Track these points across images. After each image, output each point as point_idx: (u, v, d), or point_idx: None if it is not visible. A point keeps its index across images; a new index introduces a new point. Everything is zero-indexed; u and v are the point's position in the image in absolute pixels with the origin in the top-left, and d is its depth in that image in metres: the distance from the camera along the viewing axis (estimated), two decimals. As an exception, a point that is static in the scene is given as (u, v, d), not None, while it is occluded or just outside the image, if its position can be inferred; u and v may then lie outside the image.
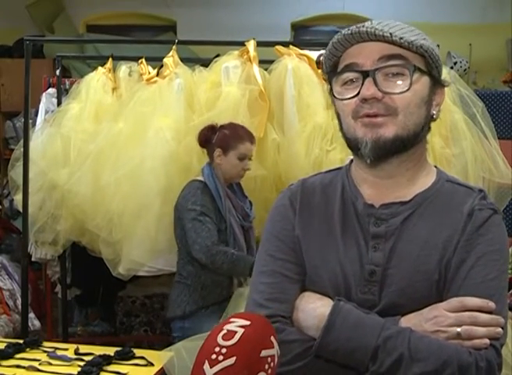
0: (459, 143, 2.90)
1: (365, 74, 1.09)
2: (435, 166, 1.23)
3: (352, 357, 1.07)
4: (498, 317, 1.06)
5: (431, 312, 1.07)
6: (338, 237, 1.16)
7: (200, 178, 2.70)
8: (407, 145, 1.11)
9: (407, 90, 1.08)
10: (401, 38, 1.07)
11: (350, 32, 1.10)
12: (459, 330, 1.04)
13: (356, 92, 1.09)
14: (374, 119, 1.09)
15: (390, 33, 1.07)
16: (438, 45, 1.18)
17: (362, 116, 1.09)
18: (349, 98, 1.11)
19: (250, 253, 2.72)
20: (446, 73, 2.92)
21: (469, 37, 5.82)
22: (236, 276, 2.71)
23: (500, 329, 1.05)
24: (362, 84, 1.08)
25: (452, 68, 5.05)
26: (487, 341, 1.04)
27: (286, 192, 1.25)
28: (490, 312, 1.05)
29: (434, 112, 1.14)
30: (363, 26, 1.08)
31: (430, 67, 1.12)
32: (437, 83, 1.14)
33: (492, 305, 1.05)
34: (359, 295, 1.12)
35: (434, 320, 1.06)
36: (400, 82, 1.08)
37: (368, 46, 1.09)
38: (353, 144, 1.13)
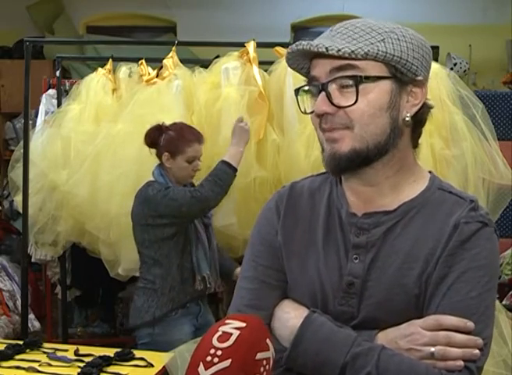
0: (459, 144, 2.89)
1: (318, 88, 1.05)
2: (430, 172, 1.16)
3: (320, 372, 1.04)
4: (476, 338, 1.00)
5: (407, 329, 1.02)
6: (319, 246, 1.12)
7: (153, 180, 2.65)
8: (369, 158, 1.05)
9: (355, 103, 1.03)
10: (339, 50, 1.01)
11: (291, 50, 1.06)
12: (432, 349, 0.99)
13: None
14: (331, 135, 1.05)
15: (326, 48, 1.01)
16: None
17: (323, 131, 1.07)
18: (310, 113, 1.08)
19: (211, 250, 2.70)
20: (445, 74, 2.93)
21: (469, 38, 5.82)
22: (229, 185, 2.64)
23: (477, 351, 0.99)
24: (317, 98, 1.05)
25: (452, 69, 5.05)
26: (461, 362, 0.99)
27: (275, 195, 1.22)
28: (469, 333, 1.00)
29: (408, 115, 1.07)
30: (300, 44, 1.04)
31: (393, 69, 1.04)
32: (408, 84, 1.06)
33: (470, 324, 1.00)
34: (337, 307, 1.09)
35: (409, 338, 1.01)
36: (352, 93, 1.03)
37: (321, 60, 1.05)
38: (322, 156, 1.10)
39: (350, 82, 1.03)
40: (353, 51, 1.02)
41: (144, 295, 2.62)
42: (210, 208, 2.65)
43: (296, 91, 1.11)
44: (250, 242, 1.20)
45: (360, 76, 1.03)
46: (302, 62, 1.10)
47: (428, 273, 1.04)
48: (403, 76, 1.05)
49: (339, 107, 1.04)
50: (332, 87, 1.04)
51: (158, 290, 2.60)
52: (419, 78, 1.07)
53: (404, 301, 1.05)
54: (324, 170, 1.15)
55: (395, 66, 1.04)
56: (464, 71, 5.59)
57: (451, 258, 1.04)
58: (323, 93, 1.04)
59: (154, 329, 2.57)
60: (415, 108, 1.08)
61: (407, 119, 1.07)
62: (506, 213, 4.16)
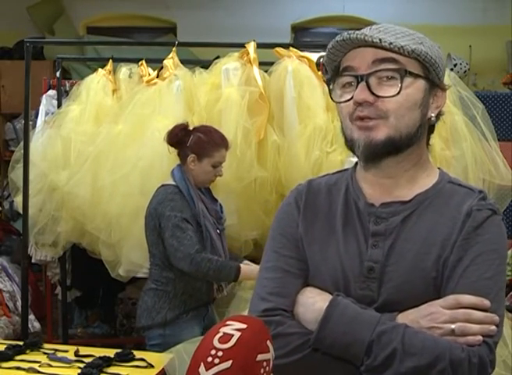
0: (459, 145, 2.89)
1: (359, 78, 1.13)
2: (439, 168, 1.25)
3: (347, 351, 1.09)
4: (492, 315, 1.07)
5: (427, 309, 1.09)
6: (339, 235, 1.19)
7: (172, 182, 2.61)
8: (400, 146, 1.14)
9: (397, 94, 1.11)
10: (391, 43, 1.10)
11: (342, 38, 1.14)
12: (453, 326, 1.06)
13: (351, 95, 1.14)
14: (366, 123, 1.13)
15: (380, 39, 1.10)
16: (439, 48, 1.18)
17: (356, 119, 1.14)
18: (345, 101, 1.15)
19: (225, 257, 2.66)
20: (446, 75, 2.93)
21: (469, 38, 5.83)
22: (221, 281, 2.65)
23: (494, 326, 1.07)
24: (356, 88, 1.13)
25: (452, 70, 5.04)
26: (480, 337, 1.06)
27: (293, 192, 1.29)
28: (485, 310, 1.07)
29: (432, 115, 1.17)
30: (354, 33, 1.12)
31: (427, 71, 1.14)
32: (435, 87, 1.17)
33: (487, 303, 1.07)
34: (358, 291, 1.15)
35: (430, 317, 1.08)
36: (392, 86, 1.12)
37: (363, 50, 1.13)
38: (350, 145, 1.17)
39: (392, 75, 1.12)
40: (402, 46, 1.11)
41: (155, 296, 2.60)
42: (191, 274, 2.53)
43: (329, 81, 1.20)
44: (270, 236, 1.26)
45: (405, 70, 1.12)
46: (339, 53, 1.17)
47: (444, 257, 1.12)
48: (434, 78, 1.16)
49: (380, 97, 1.12)
50: (373, 78, 1.12)
51: (170, 292, 2.59)
52: (442, 83, 1.18)
53: (422, 284, 1.12)
54: (325, 172, 1.24)
55: (428, 68, 1.14)
56: (464, 72, 5.59)
57: (466, 242, 1.12)
58: (363, 83, 1.12)
59: (165, 330, 2.56)
60: (437, 111, 1.19)
61: (433, 118, 1.18)
62: (507, 214, 4.15)
